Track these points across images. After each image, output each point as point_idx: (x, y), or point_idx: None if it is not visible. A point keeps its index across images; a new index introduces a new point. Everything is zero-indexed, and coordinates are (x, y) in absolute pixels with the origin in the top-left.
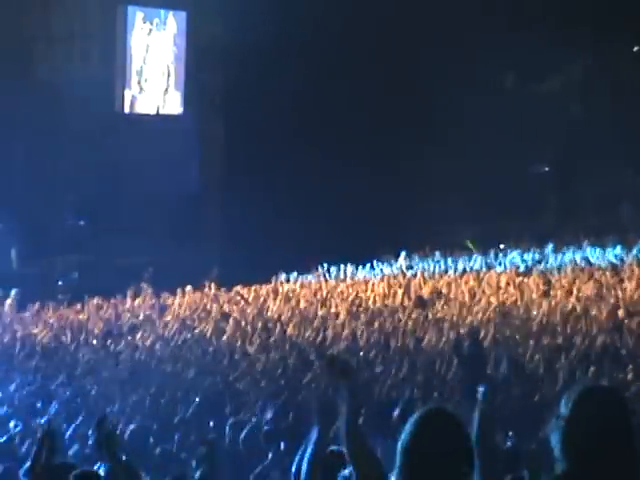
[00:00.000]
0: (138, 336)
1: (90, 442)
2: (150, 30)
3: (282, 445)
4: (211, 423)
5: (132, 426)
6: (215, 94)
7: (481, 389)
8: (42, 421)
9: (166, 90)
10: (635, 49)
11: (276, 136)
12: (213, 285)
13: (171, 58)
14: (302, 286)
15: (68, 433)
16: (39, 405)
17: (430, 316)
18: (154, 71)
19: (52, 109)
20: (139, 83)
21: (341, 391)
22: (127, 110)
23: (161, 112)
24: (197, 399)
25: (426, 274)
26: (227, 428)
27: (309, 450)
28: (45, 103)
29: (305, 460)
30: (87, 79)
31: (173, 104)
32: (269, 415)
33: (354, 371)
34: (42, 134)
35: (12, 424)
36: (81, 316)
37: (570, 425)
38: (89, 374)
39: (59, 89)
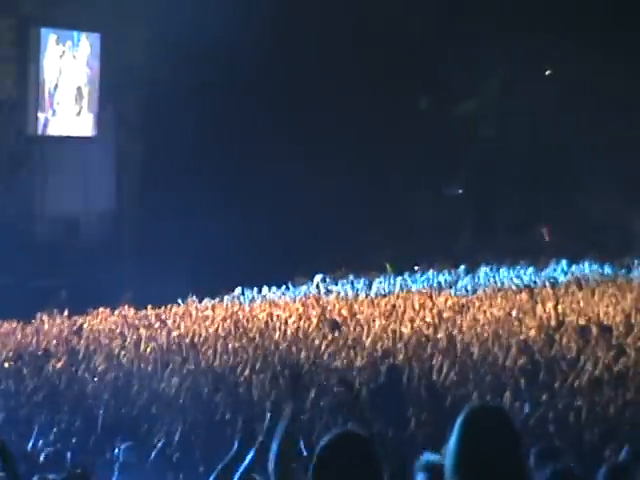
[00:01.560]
0: (51, 360)
1: None
2: (63, 52)
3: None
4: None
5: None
6: (130, 114)
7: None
8: None
9: (79, 112)
10: (547, 72)
11: (191, 156)
12: (127, 307)
13: (84, 80)
14: (214, 308)
15: None
16: None
17: (342, 340)
18: (67, 93)
19: None
20: (52, 105)
21: (285, 412)
22: (40, 132)
23: (75, 133)
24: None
25: (341, 296)
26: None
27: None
28: None
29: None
30: None
31: (86, 126)
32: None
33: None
34: None
35: None
36: None
37: (457, 447)
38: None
39: None
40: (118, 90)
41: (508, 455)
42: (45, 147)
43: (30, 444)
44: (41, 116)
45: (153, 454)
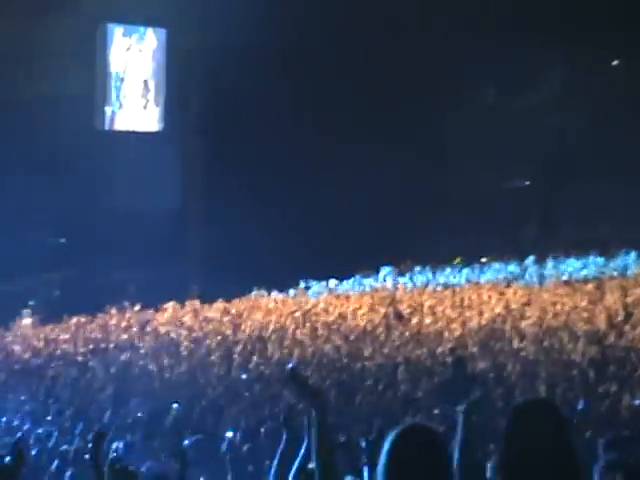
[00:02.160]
0: (122, 353)
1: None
2: (130, 45)
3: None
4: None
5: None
6: (196, 109)
7: (462, 406)
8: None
9: (145, 106)
10: (614, 63)
11: (257, 152)
12: (195, 301)
13: (150, 73)
14: (283, 302)
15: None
16: (15, 423)
17: (409, 331)
18: (133, 87)
19: (32, 127)
20: (118, 99)
21: (312, 411)
22: (107, 127)
23: (141, 128)
24: (173, 414)
25: (408, 288)
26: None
27: (296, 464)
28: (24, 121)
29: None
30: (67, 96)
31: (152, 120)
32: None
33: (321, 391)
34: (21, 151)
35: None
36: (63, 334)
37: (506, 442)
38: (72, 391)
39: (39, 107)
40: (184, 84)
41: (556, 449)
42: (112, 141)
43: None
44: (108, 110)
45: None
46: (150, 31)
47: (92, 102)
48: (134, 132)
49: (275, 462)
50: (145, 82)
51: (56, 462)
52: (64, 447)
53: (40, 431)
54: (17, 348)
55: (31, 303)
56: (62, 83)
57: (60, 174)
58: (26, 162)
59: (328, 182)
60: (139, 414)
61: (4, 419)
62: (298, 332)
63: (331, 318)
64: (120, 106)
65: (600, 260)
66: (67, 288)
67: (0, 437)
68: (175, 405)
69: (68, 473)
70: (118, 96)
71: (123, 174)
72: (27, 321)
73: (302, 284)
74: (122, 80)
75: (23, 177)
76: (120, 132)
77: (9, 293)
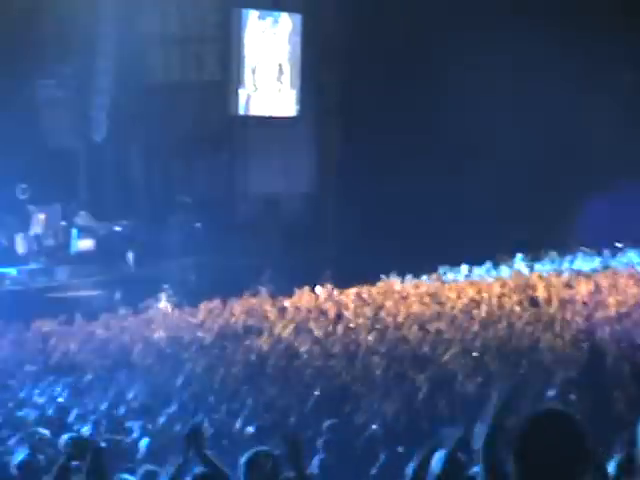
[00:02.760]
0: (254, 338)
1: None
2: (264, 29)
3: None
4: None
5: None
6: (331, 94)
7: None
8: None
9: (280, 90)
10: None
11: (392, 137)
12: (328, 286)
13: (285, 57)
14: (416, 287)
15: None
16: (155, 406)
17: (545, 317)
18: (268, 70)
19: (167, 111)
20: (254, 82)
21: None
22: (241, 112)
23: (275, 112)
24: (312, 400)
25: (542, 274)
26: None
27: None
28: (160, 105)
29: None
30: (201, 82)
31: (288, 103)
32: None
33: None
34: (158, 136)
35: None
36: (197, 319)
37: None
38: (205, 376)
39: (173, 91)
40: (319, 68)
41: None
42: (247, 126)
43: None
44: (242, 94)
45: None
46: (285, 15)
47: (226, 87)
48: (269, 117)
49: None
50: (280, 66)
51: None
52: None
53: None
54: (152, 332)
55: (166, 287)
56: (196, 69)
57: (195, 159)
58: (163, 147)
59: (464, 167)
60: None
61: (140, 399)
62: (432, 317)
63: (464, 304)
64: (255, 90)
65: None
66: (202, 273)
67: (136, 419)
68: (316, 393)
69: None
70: (253, 80)
71: (257, 158)
72: (163, 305)
73: (436, 270)
74: (257, 64)
75: (163, 161)
76: (255, 117)
77: (146, 277)
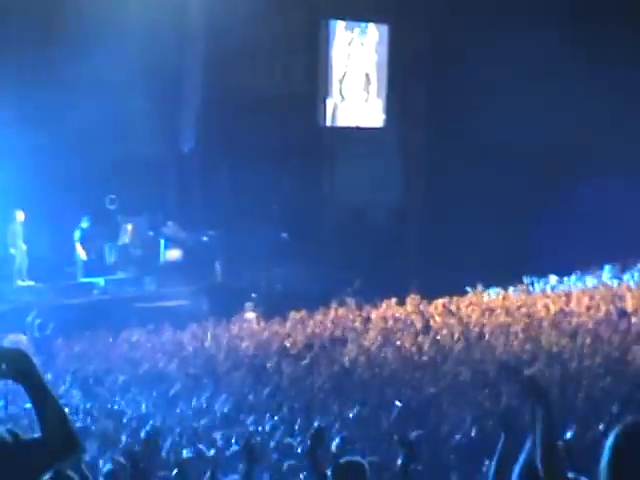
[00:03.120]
0: (340, 348)
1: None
2: (352, 39)
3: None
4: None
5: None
6: (417, 105)
7: None
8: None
9: (367, 99)
10: None
11: (479, 149)
12: (415, 297)
13: (372, 66)
14: (503, 299)
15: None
16: (241, 416)
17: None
18: (355, 80)
19: (255, 122)
20: (341, 92)
21: (536, 411)
22: (329, 123)
23: (363, 122)
24: (397, 412)
25: (632, 285)
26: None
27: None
28: (248, 116)
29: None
30: (290, 93)
31: (375, 112)
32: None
33: (545, 391)
34: (246, 147)
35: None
36: (284, 329)
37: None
38: (291, 386)
39: (262, 103)
40: (405, 78)
41: None
42: (334, 137)
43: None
44: (330, 103)
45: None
46: (372, 25)
47: (314, 99)
48: (356, 128)
49: (494, 462)
50: (367, 75)
51: (275, 455)
52: (287, 440)
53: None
54: (240, 342)
55: (254, 296)
56: (285, 80)
57: (283, 170)
58: (251, 158)
59: (551, 178)
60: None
61: (225, 409)
62: (518, 329)
63: (552, 315)
64: (342, 100)
65: None
66: (288, 283)
67: (221, 429)
68: (398, 403)
69: (286, 465)
70: (340, 90)
71: (345, 169)
72: (250, 315)
73: (523, 281)
74: (344, 75)
75: (251, 172)
76: (342, 127)
77: (233, 287)
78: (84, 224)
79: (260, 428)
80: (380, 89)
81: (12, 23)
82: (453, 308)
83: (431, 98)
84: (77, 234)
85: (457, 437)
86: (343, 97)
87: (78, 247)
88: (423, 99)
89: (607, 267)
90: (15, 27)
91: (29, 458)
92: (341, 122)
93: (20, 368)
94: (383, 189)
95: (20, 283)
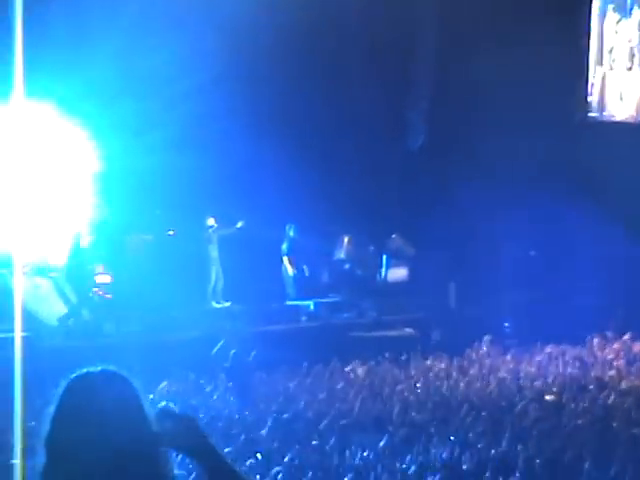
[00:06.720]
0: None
1: None
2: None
3: None
4: None
5: None
6: None
7: None
8: None
9: (630, 68)
10: None
11: None
12: None
13: (635, 42)
14: None
15: None
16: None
17: None
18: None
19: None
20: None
21: None
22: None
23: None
24: None
25: None
26: None
27: None
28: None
29: None
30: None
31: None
32: None
33: None
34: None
35: None
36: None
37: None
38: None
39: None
40: None
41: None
42: (594, 132)
43: None
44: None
45: None
46: (635, 6)
47: (572, 91)
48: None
49: None
50: (631, 49)
51: None
52: None
53: None
54: (475, 381)
55: (506, 325)
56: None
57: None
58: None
59: None
60: None
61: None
62: None
63: None
64: (611, 68)
65: None
66: (535, 310)
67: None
68: None
69: None
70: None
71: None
72: (487, 348)
73: None
74: (612, 61)
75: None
76: (603, 122)
77: (469, 315)
78: (291, 232)
79: None
80: None
81: None
82: None
83: None
84: (284, 246)
85: None
86: (611, 67)
87: (285, 261)
88: None
89: None
90: None
91: None
92: (597, 115)
93: (191, 436)
94: None
95: (215, 305)
